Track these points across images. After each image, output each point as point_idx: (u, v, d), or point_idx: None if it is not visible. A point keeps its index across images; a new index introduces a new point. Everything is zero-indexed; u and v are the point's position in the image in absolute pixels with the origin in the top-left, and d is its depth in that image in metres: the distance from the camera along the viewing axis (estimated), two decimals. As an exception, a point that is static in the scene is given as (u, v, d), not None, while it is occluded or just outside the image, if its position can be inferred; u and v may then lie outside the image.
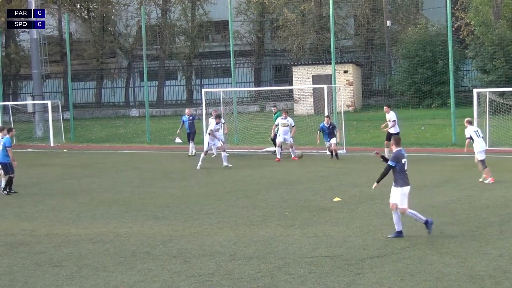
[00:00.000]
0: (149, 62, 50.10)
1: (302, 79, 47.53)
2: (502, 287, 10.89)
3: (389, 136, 27.71)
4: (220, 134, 28.74)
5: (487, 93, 32.16)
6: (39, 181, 25.34)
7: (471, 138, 21.56)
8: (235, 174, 25.37)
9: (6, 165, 21.98)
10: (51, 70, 53.55)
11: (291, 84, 48.13)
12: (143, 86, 46.29)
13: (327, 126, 28.70)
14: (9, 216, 18.43)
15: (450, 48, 33.38)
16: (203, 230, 15.61)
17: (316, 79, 46.34)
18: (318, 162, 28.17)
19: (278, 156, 29.23)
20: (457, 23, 46.94)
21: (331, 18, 36.03)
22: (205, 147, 28.11)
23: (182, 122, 32.58)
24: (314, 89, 43.74)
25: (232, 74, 39.03)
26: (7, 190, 22.13)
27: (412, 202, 18.15)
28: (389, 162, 14.28)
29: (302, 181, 23.05)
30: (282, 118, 29.82)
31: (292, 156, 29.42)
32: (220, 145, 28.27)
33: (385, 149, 27.51)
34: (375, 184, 14.57)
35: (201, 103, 34.85)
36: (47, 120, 42.32)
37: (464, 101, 38.98)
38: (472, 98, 31.52)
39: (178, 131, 33.30)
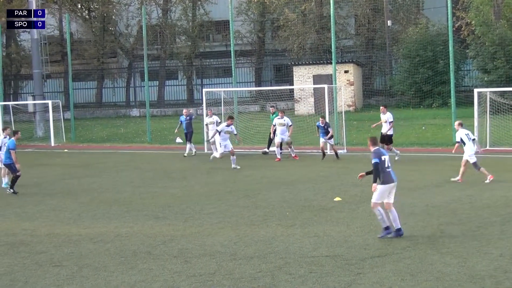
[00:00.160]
0: (150, 62, 50.10)
1: (303, 79, 47.53)
2: (502, 287, 10.89)
3: (383, 137, 27.57)
4: (226, 136, 28.05)
5: (488, 93, 32.17)
6: (40, 181, 25.35)
7: (462, 141, 21.51)
8: (236, 174, 25.38)
9: (10, 165, 22.14)
10: (51, 70, 53.59)
11: (292, 84, 48.13)
12: (144, 86, 46.32)
13: (322, 125, 28.72)
14: (10, 216, 18.44)
15: (450, 48, 33.38)
16: (203, 230, 15.62)
17: (317, 79, 46.35)
18: (319, 162, 28.15)
19: (278, 156, 29.24)
20: (457, 23, 46.93)
21: (331, 18, 36.03)
22: (219, 149, 27.52)
23: (180, 122, 32.61)
24: (314, 89, 43.74)
25: (233, 74, 39.02)
26: (13, 189, 22.21)
27: (412, 202, 18.23)
28: (373, 161, 14.27)
29: (303, 180, 23.05)
30: (279, 118, 29.85)
31: (293, 155, 29.45)
32: (231, 148, 27.72)
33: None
34: (374, 185, 14.48)
35: (202, 103, 34.86)
36: (48, 120, 42.33)
37: (465, 101, 38.99)
38: (473, 98, 31.51)
39: (175, 130, 33.39)
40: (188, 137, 32.10)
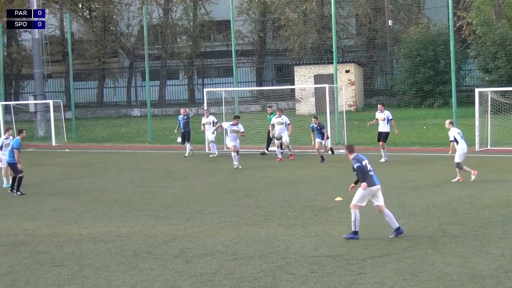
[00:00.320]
0: (151, 62, 50.10)
1: (304, 79, 47.52)
2: (503, 286, 10.88)
3: (379, 135, 27.73)
4: (235, 136, 28.03)
5: (489, 92, 32.16)
6: (41, 181, 25.36)
7: (455, 140, 21.54)
8: (237, 174, 25.38)
9: (14, 165, 22.13)
10: (53, 69, 53.55)
11: (293, 84, 48.13)
12: (145, 86, 46.28)
13: (316, 126, 28.53)
14: (11, 216, 18.45)
15: (452, 48, 33.36)
16: (204, 230, 15.62)
17: (318, 78, 46.34)
18: (319, 162, 28.12)
19: (279, 156, 29.24)
20: (459, 22, 46.91)
21: (333, 17, 36.03)
22: (232, 146, 27.37)
23: (178, 122, 32.64)
24: (315, 88, 43.71)
25: (234, 74, 39.01)
26: (15, 189, 22.18)
27: (413, 202, 18.23)
28: (355, 167, 14.27)
29: (304, 180, 23.05)
30: (277, 117, 29.83)
31: (290, 154, 29.42)
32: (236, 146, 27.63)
33: (381, 149, 27.45)
34: (363, 184, 14.34)
35: (203, 103, 34.85)
36: (49, 120, 42.32)
37: (466, 100, 38.97)
38: (474, 98, 31.52)
39: (175, 131, 33.48)
40: (186, 136, 32.10)
